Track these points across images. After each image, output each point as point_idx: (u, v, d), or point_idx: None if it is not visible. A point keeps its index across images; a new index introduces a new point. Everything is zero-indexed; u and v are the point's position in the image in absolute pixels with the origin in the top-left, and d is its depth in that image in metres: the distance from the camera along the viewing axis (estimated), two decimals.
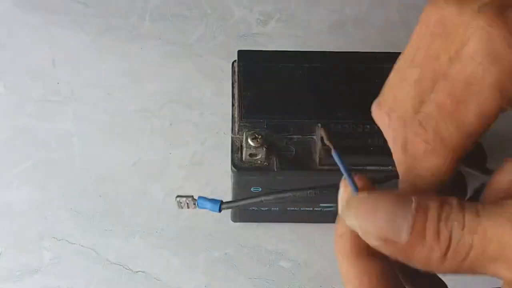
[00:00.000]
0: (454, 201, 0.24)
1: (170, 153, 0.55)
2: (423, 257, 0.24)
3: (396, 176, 0.29)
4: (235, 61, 0.44)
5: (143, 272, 0.50)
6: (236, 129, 0.42)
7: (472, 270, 0.24)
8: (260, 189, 0.43)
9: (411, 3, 0.63)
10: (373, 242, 0.25)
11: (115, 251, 0.51)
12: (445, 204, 0.24)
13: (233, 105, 0.43)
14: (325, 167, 0.40)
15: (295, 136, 0.41)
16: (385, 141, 0.40)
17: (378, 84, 0.42)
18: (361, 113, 0.41)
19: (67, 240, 0.51)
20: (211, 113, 0.57)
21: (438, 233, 0.24)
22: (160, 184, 0.53)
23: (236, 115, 0.42)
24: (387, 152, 0.39)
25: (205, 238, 0.51)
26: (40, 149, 0.55)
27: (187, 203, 0.34)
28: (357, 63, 0.44)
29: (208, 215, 0.52)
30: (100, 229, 0.51)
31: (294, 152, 0.41)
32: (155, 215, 0.52)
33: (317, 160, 0.40)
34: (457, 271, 0.24)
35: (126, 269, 0.50)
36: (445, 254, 0.24)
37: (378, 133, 0.40)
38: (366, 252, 0.26)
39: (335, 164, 0.40)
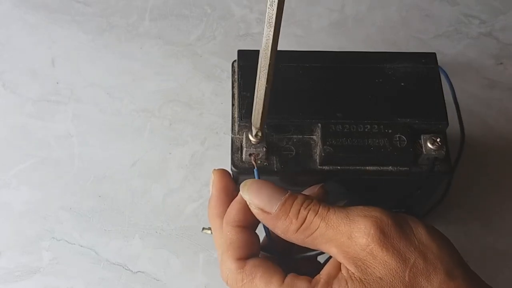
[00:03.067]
0: (314, 198, 0.36)
1: (170, 153, 0.55)
2: (284, 226, 0.35)
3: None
4: (235, 61, 0.44)
5: (143, 272, 0.50)
6: (236, 129, 0.41)
7: (313, 244, 0.35)
8: None
9: (411, 3, 0.63)
10: (254, 209, 0.36)
11: (115, 251, 0.51)
12: (307, 198, 0.36)
13: (233, 105, 0.43)
14: (325, 167, 0.40)
15: (295, 136, 0.41)
16: (384, 142, 0.40)
17: (378, 84, 0.42)
18: (361, 113, 0.41)
19: (66, 240, 0.51)
20: (211, 113, 0.57)
21: (298, 212, 0.35)
22: (160, 184, 0.53)
23: (236, 115, 0.42)
24: (386, 153, 0.40)
25: (205, 238, 0.51)
26: (39, 149, 0.55)
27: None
28: (357, 62, 0.43)
29: (207, 215, 0.52)
30: (100, 229, 0.51)
31: (294, 152, 0.41)
32: (155, 215, 0.52)
33: (317, 160, 0.40)
34: (303, 242, 0.35)
35: (126, 269, 0.50)
36: (299, 228, 0.35)
37: (378, 133, 0.40)
38: (242, 225, 0.37)
39: (336, 164, 0.40)
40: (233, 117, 0.42)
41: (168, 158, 0.55)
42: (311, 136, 0.41)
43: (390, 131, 0.40)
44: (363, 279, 0.33)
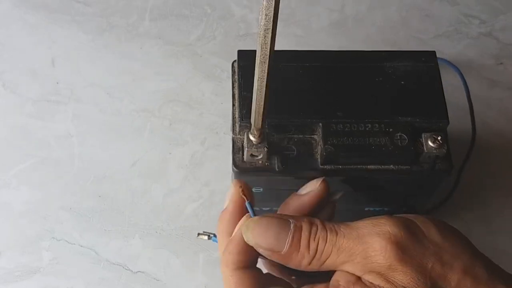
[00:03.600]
0: (318, 222, 0.35)
1: (170, 153, 0.55)
2: (297, 261, 0.34)
3: None
4: (235, 61, 0.44)
5: (143, 272, 0.50)
6: (237, 129, 0.41)
7: (328, 269, 0.34)
8: (262, 189, 0.43)
9: (411, 3, 0.63)
10: (263, 252, 0.35)
11: (115, 251, 0.50)
12: (313, 225, 0.34)
13: (233, 105, 0.43)
14: (327, 167, 0.40)
15: (296, 136, 0.41)
16: (385, 140, 0.40)
17: (379, 83, 0.42)
18: (362, 112, 0.41)
19: (66, 240, 0.51)
20: (211, 113, 0.57)
21: (308, 246, 0.34)
22: (160, 184, 0.53)
23: (236, 115, 0.42)
24: (387, 151, 0.40)
25: (205, 239, 0.51)
26: (39, 149, 0.54)
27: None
28: (357, 62, 0.43)
29: (207, 215, 0.52)
30: (100, 229, 0.51)
31: (295, 152, 0.41)
32: (155, 215, 0.52)
33: (319, 159, 0.40)
34: (318, 269, 0.34)
35: (126, 269, 0.50)
36: (311, 260, 0.34)
37: (379, 132, 0.40)
38: (243, 265, 0.36)
39: (337, 163, 0.40)
40: (233, 117, 0.42)
41: (168, 158, 0.54)
42: (312, 136, 0.41)
43: (391, 129, 0.40)
44: (389, 287, 0.33)
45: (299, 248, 0.34)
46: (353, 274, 0.34)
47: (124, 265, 0.50)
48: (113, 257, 0.50)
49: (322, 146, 0.40)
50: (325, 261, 0.34)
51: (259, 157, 0.40)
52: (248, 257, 0.36)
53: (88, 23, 0.61)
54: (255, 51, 0.43)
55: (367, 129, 0.40)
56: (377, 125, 0.40)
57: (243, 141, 0.40)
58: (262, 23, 0.32)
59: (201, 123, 0.56)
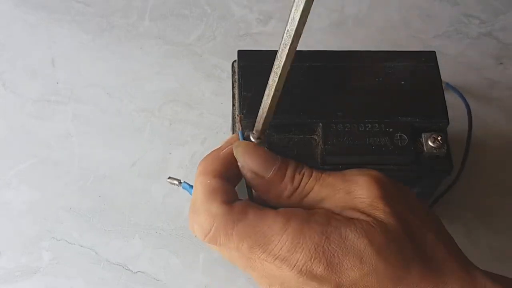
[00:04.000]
0: (305, 164, 0.36)
1: (170, 153, 0.55)
2: (278, 191, 0.35)
3: None
4: (235, 61, 0.44)
5: (143, 272, 0.50)
6: (237, 129, 0.41)
7: (306, 207, 0.34)
8: None
9: (411, 3, 0.63)
10: (247, 173, 0.35)
11: (115, 251, 0.50)
12: (299, 163, 0.36)
13: (233, 105, 0.43)
14: (327, 167, 0.40)
15: (296, 136, 0.41)
16: (385, 140, 0.40)
17: (379, 83, 0.42)
18: (362, 112, 0.41)
19: (66, 240, 0.51)
20: (211, 113, 0.57)
21: (293, 177, 0.35)
22: (160, 184, 0.53)
23: (236, 115, 0.42)
24: (387, 151, 0.40)
25: None
26: (39, 149, 0.54)
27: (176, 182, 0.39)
28: (357, 62, 0.44)
29: None
30: (100, 229, 0.51)
31: (295, 152, 0.41)
32: (155, 215, 0.52)
33: (319, 159, 0.40)
34: (297, 205, 0.35)
35: (126, 269, 0.50)
36: (294, 192, 0.35)
37: (379, 132, 0.40)
38: (222, 177, 0.35)
39: (337, 164, 0.40)
40: (233, 117, 0.42)
41: (168, 158, 0.54)
42: (312, 136, 0.41)
43: (391, 130, 0.40)
44: (367, 219, 0.33)
45: (284, 178, 0.35)
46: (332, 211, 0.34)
47: (124, 265, 0.50)
48: (113, 257, 0.50)
49: (322, 146, 0.40)
50: (306, 195, 0.35)
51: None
52: (231, 174, 0.35)
53: (88, 23, 0.61)
54: (255, 51, 0.44)
55: (367, 129, 0.40)
56: (377, 125, 0.40)
57: None
58: (284, 37, 0.32)
59: (201, 123, 0.56)
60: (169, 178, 0.40)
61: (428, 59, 0.43)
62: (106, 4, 0.62)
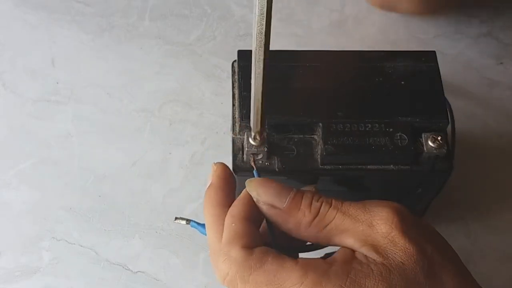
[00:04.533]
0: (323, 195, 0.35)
1: (170, 153, 0.55)
2: (296, 220, 0.34)
3: None
4: (235, 61, 0.44)
5: (143, 272, 0.50)
6: (237, 130, 0.41)
7: (326, 238, 0.34)
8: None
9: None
10: (262, 206, 0.35)
11: (115, 251, 0.50)
12: (317, 193, 0.35)
13: (233, 105, 0.43)
14: (327, 167, 0.40)
15: (296, 136, 0.41)
16: (385, 140, 0.40)
17: (379, 83, 0.42)
18: (362, 112, 0.41)
19: (66, 240, 0.51)
20: (211, 113, 0.57)
21: (310, 204, 0.34)
22: (160, 184, 0.53)
23: (236, 115, 0.42)
24: (388, 151, 0.40)
25: (205, 238, 0.51)
26: (39, 149, 0.54)
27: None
28: (357, 62, 0.44)
29: None
30: (100, 229, 0.51)
31: (295, 152, 0.41)
32: (155, 215, 0.52)
33: (319, 159, 0.40)
34: (315, 237, 0.34)
35: (126, 269, 0.50)
36: (312, 220, 0.34)
37: (379, 132, 0.40)
38: (249, 218, 0.35)
39: (337, 164, 0.40)
40: (233, 117, 0.42)
41: (168, 158, 0.54)
42: (312, 136, 0.41)
43: (391, 129, 0.40)
44: (385, 263, 0.32)
45: (300, 206, 0.34)
46: (348, 251, 0.34)
47: (124, 265, 0.50)
48: (113, 257, 0.50)
49: (322, 146, 0.40)
50: (327, 225, 0.34)
51: (259, 157, 0.40)
52: (255, 214, 0.35)
53: (88, 23, 0.61)
54: None
55: (367, 129, 0.40)
56: (377, 125, 0.40)
57: (243, 141, 0.40)
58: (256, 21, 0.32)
59: (201, 123, 0.56)
60: (176, 219, 0.40)
61: (428, 59, 0.43)
62: (106, 4, 0.62)
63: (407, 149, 0.40)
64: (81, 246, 0.51)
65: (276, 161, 0.40)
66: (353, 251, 0.34)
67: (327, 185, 0.43)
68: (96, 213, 0.52)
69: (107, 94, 0.57)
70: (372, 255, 0.33)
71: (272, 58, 0.43)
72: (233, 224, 0.35)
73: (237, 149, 0.41)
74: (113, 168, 0.54)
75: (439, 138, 0.40)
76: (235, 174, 0.41)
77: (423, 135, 0.40)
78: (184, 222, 0.39)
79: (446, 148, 0.40)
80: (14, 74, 0.58)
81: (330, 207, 0.34)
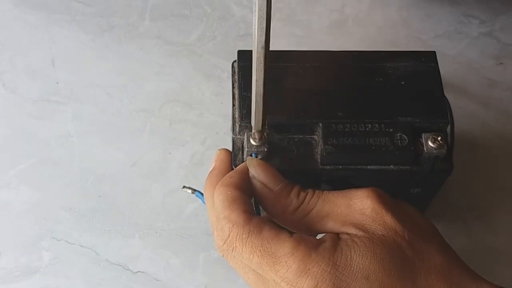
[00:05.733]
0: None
1: (170, 153, 0.55)
2: (283, 205, 0.37)
3: None
4: (235, 61, 0.44)
5: (143, 272, 0.50)
6: (237, 130, 0.41)
7: (308, 225, 0.36)
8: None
9: (411, 3, 0.63)
10: (256, 183, 0.37)
11: (114, 251, 0.51)
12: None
13: (233, 105, 0.43)
14: (327, 167, 0.40)
15: (296, 136, 0.41)
16: (385, 141, 0.40)
17: (379, 83, 0.42)
18: (362, 112, 0.41)
19: (66, 240, 0.51)
20: (211, 113, 0.57)
21: (298, 194, 0.37)
22: (160, 184, 0.53)
23: (236, 116, 0.42)
24: (387, 152, 0.40)
25: (205, 238, 0.51)
26: (39, 149, 0.54)
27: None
28: (357, 62, 0.44)
29: (207, 215, 0.52)
30: (100, 229, 0.51)
31: (295, 152, 0.41)
32: (155, 215, 0.52)
33: (319, 159, 0.40)
34: (297, 224, 0.37)
35: (126, 269, 0.50)
36: (297, 207, 0.36)
37: (379, 132, 0.40)
38: (242, 189, 0.37)
39: (337, 164, 0.40)
40: (233, 118, 0.42)
41: (168, 158, 0.54)
42: (312, 136, 0.41)
43: (391, 130, 0.40)
44: (367, 236, 0.34)
45: (290, 193, 0.37)
46: (335, 233, 0.36)
47: (124, 265, 0.50)
48: (113, 257, 0.50)
49: (322, 146, 0.40)
50: (310, 211, 0.36)
51: (259, 157, 0.40)
52: (247, 187, 0.37)
53: (88, 23, 0.61)
54: None
55: (367, 129, 0.40)
56: (377, 125, 0.40)
57: (243, 141, 0.40)
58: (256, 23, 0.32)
59: (201, 123, 0.56)
60: (184, 187, 0.42)
61: (428, 59, 0.43)
62: (106, 4, 0.62)
63: (407, 149, 0.40)
64: (81, 246, 0.51)
65: (276, 161, 0.40)
66: (337, 233, 0.36)
67: (327, 185, 0.43)
68: (96, 213, 0.52)
69: (107, 94, 0.57)
70: (353, 231, 0.35)
71: (272, 58, 0.43)
72: (229, 192, 0.36)
73: (237, 149, 0.41)
74: (113, 168, 0.54)
75: (439, 138, 0.40)
76: None
77: (423, 135, 0.40)
78: (190, 191, 0.42)
79: (446, 148, 0.40)
80: (14, 74, 0.58)
81: (314, 195, 0.37)
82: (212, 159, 0.40)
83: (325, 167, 0.40)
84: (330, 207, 0.36)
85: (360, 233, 0.34)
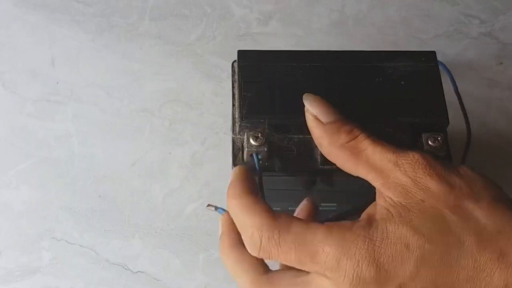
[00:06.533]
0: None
1: (170, 153, 0.55)
2: (332, 137, 0.36)
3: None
4: (235, 61, 0.44)
5: (143, 272, 0.50)
6: (237, 130, 0.41)
7: (352, 166, 0.35)
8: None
9: (411, 3, 0.63)
10: (308, 115, 0.38)
11: (114, 251, 0.51)
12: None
13: (233, 105, 0.43)
14: (326, 167, 0.40)
15: (296, 136, 0.41)
16: (385, 140, 0.40)
17: (378, 83, 0.42)
18: (361, 112, 0.41)
19: (66, 240, 0.51)
20: (211, 113, 0.57)
21: (351, 130, 0.36)
22: (160, 184, 0.53)
23: (236, 116, 0.42)
24: None
25: (205, 238, 0.51)
26: (39, 149, 0.54)
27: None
28: (357, 62, 0.43)
29: (207, 215, 0.52)
30: (100, 229, 0.51)
31: (295, 152, 0.41)
32: (155, 215, 0.52)
33: (318, 159, 0.40)
34: (343, 160, 0.36)
35: (126, 269, 0.50)
36: (347, 142, 0.35)
37: (378, 132, 0.40)
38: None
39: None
40: (233, 117, 0.42)
41: (168, 158, 0.54)
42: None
43: (390, 130, 0.40)
44: (403, 203, 0.33)
45: (341, 127, 0.36)
46: (372, 206, 0.35)
47: (124, 265, 0.50)
48: (113, 257, 0.50)
49: None
50: (358, 153, 0.35)
51: (259, 156, 0.40)
52: (252, 187, 0.37)
53: (88, 23, 0.61)
54: (255, 51, 0.44)
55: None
56: (376, 125, 0.40)
57: (243, 141, 0.40)
58: None
59: (201, 123, 0.56)
60: (208, 205, 0.41)
61: (428, 59, 0.43)
62: (106, 4, 0.62)
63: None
64: (81, 246, 0.51)
65: (276, 161, 0.40)
66: (375, 204, 0.35)
67: (327, 185, 0.43)
68: (96, 213, 0.52)
69: (107, 94, 0.57)
70: (391, 194, 0.34)
71: (272, 58, 0.43)
72: (242, 200, 0.35)
73: (237, 149, 0.41)
74: (113, 168, 0.54)
75: (439, 138, 0.40)
76: None
77: (423, 135, 0.40)
78: (213, 208, 0.41)
79: (446, 148, 0.40)
80: (14, 74, 0.58)
81: (366, 137, 0.35)
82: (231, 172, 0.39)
83: (325, 167, 0.40)
84: (378, 158, 0.35)
85: (397, 199, 0.33)
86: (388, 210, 0.33)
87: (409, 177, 0.34)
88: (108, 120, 0.56)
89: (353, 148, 0.35)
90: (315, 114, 0.37)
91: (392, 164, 0.34)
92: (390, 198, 0.34)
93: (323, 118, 0.37)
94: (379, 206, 0.34)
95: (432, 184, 0.33)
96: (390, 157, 0.34)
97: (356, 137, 0.35)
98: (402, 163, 0.34)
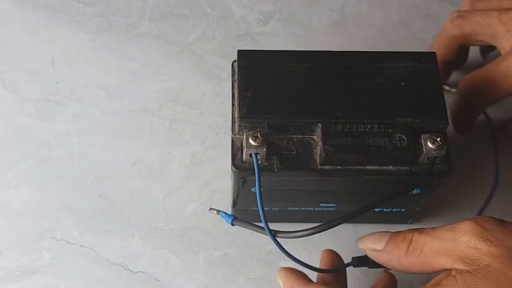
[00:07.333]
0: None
1: (170, 153, 0.55)
2: (396, 255, 0.38)
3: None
4: (235, 61, 0.44)
5: (143, 272, 0.50)
6: (237, 129, 0.41)
7: (424, 264, 0.37)
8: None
9: (411, 3, 0.63)
10: (368, 252, 0.40)
11: (114, 251, 0.51)
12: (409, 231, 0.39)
13: (233, 105, 0.43)
14: (326, 167, 0.40)
15: (295, 136, 0.41)
16: (384, 141, 0.40)
17: (378, 84, 0.42)
18: (361, 112, 0.41)
19: (66, 240, 0.51)
20: (211, 113, 0.57)
21: (404, 238, 0.38)
22: (160, 184, 0.53)
23: (236, 115, 0.42)
24: (387, 152, 0.40)
25: (205, 238, 0.51)
26: (39, 149, 0.55)
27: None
28: (357, 62, 0.44)
29: (207, 215, 0.52)
30: (100, 229, 0.51)
31: (294, 152, 0.41)
32: (155, 215, 0.52)
33: (318, 159, 0.40)
34: (415, 264, 0.37)
35: (126, 269, 0.50)
36: (407, 249, 0.38)
37: (378, 132, 0.40)
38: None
39: (337, 164, 0.40)
40: (233, 117, 0.43)
41: (168, 158, 0.54)
42: (312, 136, 0.41)
43: (390, 130, 0.40)
44: (470, 270, 0.34)
45: (396, 242, 0.38)
46: (444, 273, 0.36)
47: (124, 265, 0.50)
48: (113, 257, 0.50)
49: (321, 147, 0.40)
50: (421, 251, 0.37)
51: (259, 157, 0.40)
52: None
53: (88, 23, 0.61)
54: (255, 51, 0.44)
55: (366, 129, 0.40)
56: (376, 125, 0.40)
57: (242, 141, 0.40)
58: None
59: (201, 123, 0.56)
60: (210, 209, 0.42)
61: (428, 60, 0.43)
62: (106, 4, 0.62)
63: (406, 150, 0.40)
64: (81, 246, 0.51)
65: (276, 161, 0.40)
66: (449, 272, 0.36)
67: (326, 185, 0.43)
68: (96, 213, 0.52)
69: (107, 94, 0.57)
70: (459, 265, 0.35)
71: (272, 58, 0.43)
72: None
73: (236, 149, 0.41)
74: (113, 168, 0.54)
75: (438, 139, 0.40)
76: (234, 174, 0.41)
77: (422, 136, 0.40)
78: (215, 212, 0.42)
79: (445, 149, 0.40)
80: (14, 74, 0.58)
81: (420, 233, 0.37)
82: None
83: (324, 167, 0.40)
84: (440, 243, 0.36)
85: (465, 267, 0.35)
86: (454, 277, 0.35)
87: (471, 247, 0.35)
88: (108, 120, 0.56)
89: (416, 250, 0.37)
90: (372, 248, 0.40)
91: (452, 242, 0.36)
92: (459, 268, 0.35)
93: (379, 246, 0.39)
94: (450, 277, 0.35)
95: (493, 249, 0.35)
96: (449, 236, 0.36)
97: (411, 240, 0.37)
98: (459, 236, 0.36)
